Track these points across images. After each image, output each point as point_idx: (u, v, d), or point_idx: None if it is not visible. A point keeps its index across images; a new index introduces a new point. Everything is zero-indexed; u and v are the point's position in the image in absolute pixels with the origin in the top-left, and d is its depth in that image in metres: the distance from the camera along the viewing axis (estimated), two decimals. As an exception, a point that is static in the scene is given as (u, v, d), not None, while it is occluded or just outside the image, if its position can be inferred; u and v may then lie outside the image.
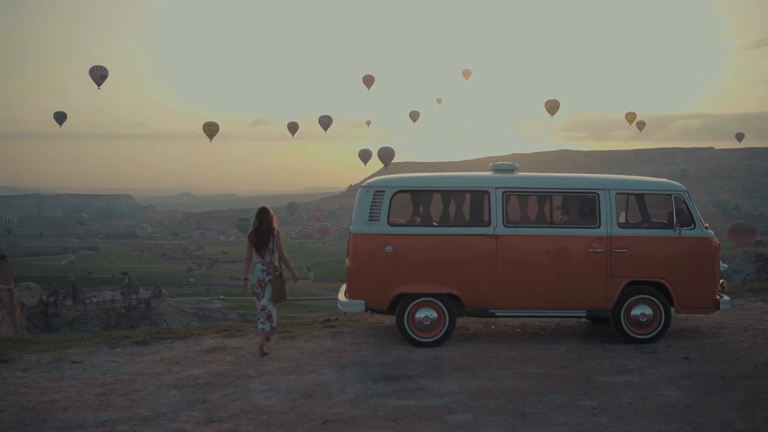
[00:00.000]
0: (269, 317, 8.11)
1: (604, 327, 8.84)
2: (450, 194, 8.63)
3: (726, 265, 8.74)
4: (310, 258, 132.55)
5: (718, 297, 8.34)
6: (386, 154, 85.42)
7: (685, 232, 8.24)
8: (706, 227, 8.37)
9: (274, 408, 6.00)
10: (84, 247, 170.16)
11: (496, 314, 8.28)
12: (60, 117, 79.21)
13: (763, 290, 12.11)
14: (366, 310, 8.37)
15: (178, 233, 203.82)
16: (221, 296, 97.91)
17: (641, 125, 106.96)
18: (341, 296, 8.54)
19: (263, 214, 8.28)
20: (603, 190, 8.29)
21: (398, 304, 8.16)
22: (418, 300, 8.13)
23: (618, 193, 8.36)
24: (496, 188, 8.25)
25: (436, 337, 8.15)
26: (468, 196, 8.55)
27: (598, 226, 8.22)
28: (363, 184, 8.47)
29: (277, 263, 8.28)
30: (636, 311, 8.19)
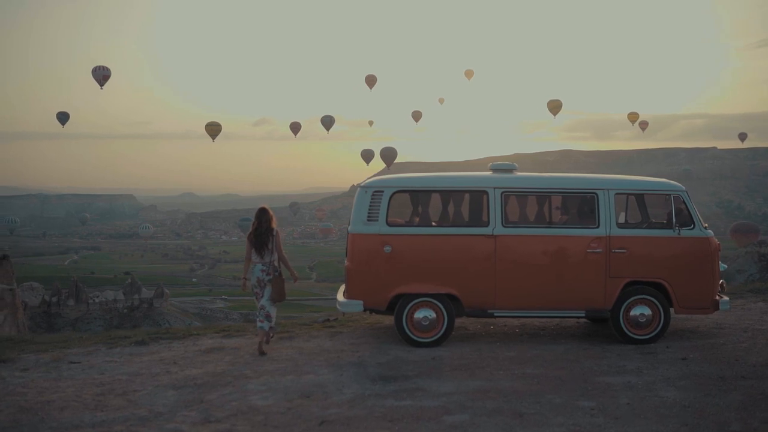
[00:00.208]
0: (268, 317, 8.15)
1: (604, 327, 8.82)
2: (449, 194, 8.62)
3: (726, 266, 8.72)
4: (313, 258, 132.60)
5: (717, 297, 8.32)
6: (388, 154, 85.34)
7: (685, 232, 8.23)
8: (705, 227, 8.35)
9: (271, 408, 6.00)
10: (87, 247, 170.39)
11: (495, 314, 8.27)
12: (63, 117, 79.31)
13: (763, 290, 12.07)
14: (365, 311, 8.37)
15: (181, 233, 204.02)
16: (223, 296, 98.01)
17: (644, 125, 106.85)
18: (340, 296, 8.54)
19: (262, 214, 8.33)
20: (602, 190, 8.27)
21: (397, 305, 8.15)
22: (416, 300, 8.13)
23: (617, 194, 8.34)
24: (494, 188, 8.24)
25: (435, 338, 8.14)
26: (467, 196, 8.54)
27: (597, 227, 8.21)
28: (361, 184, 8.46)
29: (276, 263, 8.31)
30: (635, 312, 8.18)
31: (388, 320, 9.17)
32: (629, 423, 5.56)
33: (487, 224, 8.18)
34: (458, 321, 8.82)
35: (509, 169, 8.66)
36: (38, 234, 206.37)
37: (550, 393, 6.35)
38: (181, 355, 7.97)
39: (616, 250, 8.16)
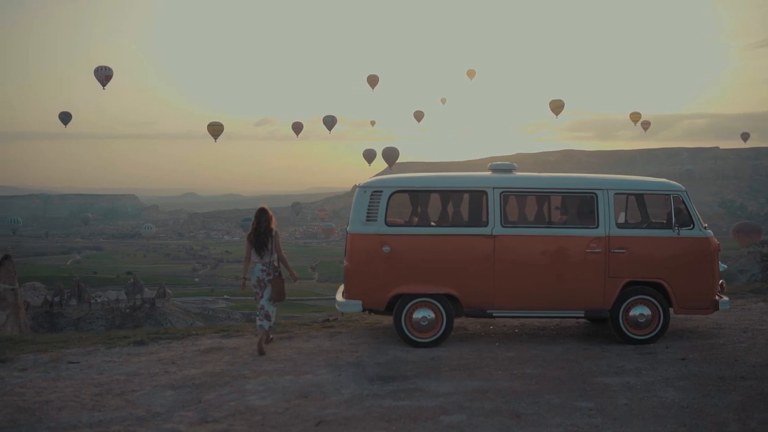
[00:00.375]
0: (267, 316, 8.20)
1: (603, 328, 8.80)
2: (448, 194, 8.61)
3: (725, 266, 8.70)
4: (315, 258, 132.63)
5: (717, 297, 8.30)
6: (391, 154, 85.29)
7: (684, 232, 8.21)
8: (705, 227, 8.33)
9: (269, 408, 6.00)
10: (89, 247, 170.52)
11: (494, 315, 8.26)
12: (65, 117, 79.31)
13: (764, 290, 12.05)
14: (363, 311, 8.37)
15: (183, 233, 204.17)
16: (225, 296, 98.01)
17: (646, 125, 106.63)
18: (339, 297, 8.54)
19: (262, 214, 8.37)
20: (601, 190, 8.26)
21: (396, 305, 8.15)
22: (415, 300, 8.12)
23: (616, 194, 8.33)
24: (493, 188, 8.23)
25: (434, 338, 8.13)
26: (466, 196, 8.54)
27: (597, 227, 8.19)
28: (360, 185, 8.45)
29: (276, 263, 8.34)
30: (634, 312, 8.16)
31: (388, 320, 9.16)
32: (627, 423, 5.55)
33: (486, 224, 8.17)
34: (458, 321, 8.81)
35: (508, 169, 8.65)
36: (41, 234, 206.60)
37: (548, 393, 6.34)
38: (179, 355, 7.97)
39: (616, 250, 8.15)
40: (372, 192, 8.27)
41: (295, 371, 7.16)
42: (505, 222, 8.20)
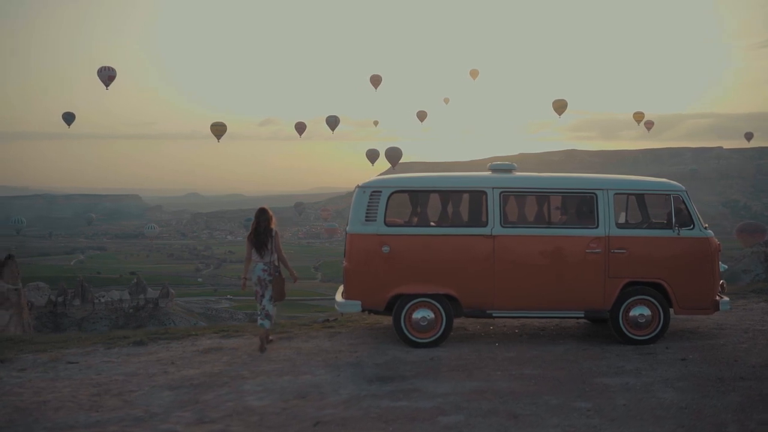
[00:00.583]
0: (268, 316, 8.24)
1: (603, 328, 8.78)
2: (447, 194, 8.59)
3: (726, 266, 8.67)
4: (318, 258, 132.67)
5: (717, 298, 8.27)
6: (394, 154, 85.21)
7: (684, 232, 8.18)
8: (705, 227, 8.30)
9: (266, 409, 5.99)
10: (93, 247, 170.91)
11: (494, 315, 8.24)
12: (69, 117, 79.37)
13: (766, 291, 12.01)
14: (363, 311, 8.35)
15: (186, 233, 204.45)
16: (229, 296, 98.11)
17: (649, 125, 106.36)
18: (338, 297, 8.53)
19: (261, 214, 8.42)
20: (601, 190, 8.23)
21: (395, 305, 8.13)
22: (414, 300, 8.10)
23: (616, 194, 8.30)
24: (493, 188, 8.21)
25: (433, 338, 8.12)
26: (465, 196, 8.52)
27: (596, 227, 8.17)
28: (359, 185, 8.44)
29: (277, 263, 8.37)
30: (634, 312, 8.13)
31: (388, 321, 9.14)
32: (625, 424, 5.53)
33: (485, 224, 8.15)
34: (458, 321, 8.80)
35: (508, 169, 8.62)
36: (44, 234, 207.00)
37: (547, 394, 6.32)
38: (179, 355, 7.96)
39: (616, 251, 8.12)
40: (371, 192, 8.25)
41: (293, 371, 7.15)
42: (505, 222, 8.18)
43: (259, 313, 8.40)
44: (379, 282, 8.10)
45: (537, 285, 8.13)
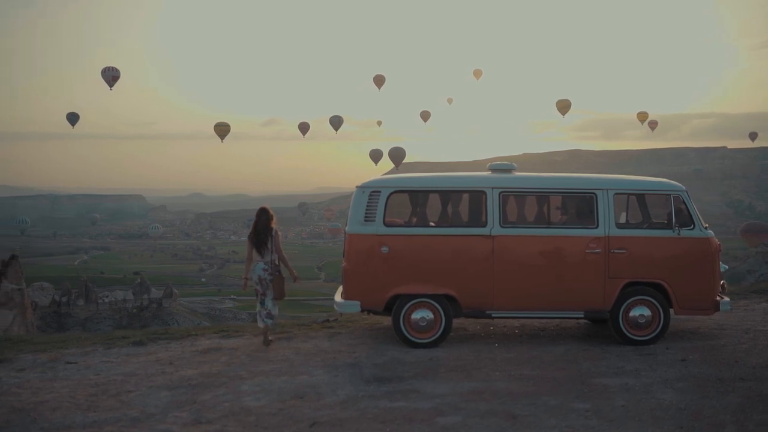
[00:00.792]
0: (270, 315, 8.32)
1: (604, 328, 8.75)
2: (447, 194, 8.58)
3: (726, 266, 8.63)
4: (321, 258, 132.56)
5: (718, 298, 8.23)
6: (397, 154, 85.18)
7: (685, 232, 8.15)
8: (705, 227, 8.27)
9: (263, 409, 5.98)
10: (96, 248, 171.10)
11: (493, 315, 8.22)
12: (73, 118, 79.48)
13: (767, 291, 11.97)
14: (362, 311, 8.34)
15: (190, 233, 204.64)
16: (232, 296, 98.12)
17: (653, 125, 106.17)
18: (338, 297, 8.51)
19: (262, 213, 8.49)
20: (601, 190, 8.21)
21: (394, 305, 8.11)
22: (414, 301, 8.08)
23: (616, 194, 8.27)
24: (492, 188, 8.18)
25: (433, 339, 8.10)
26: (465, 196, 8.51)
27: (596, 227, 8.14)
28: (359, 185, 8.43)
29: (277, 262, 8.40)
30: (634, 312, 8.10)
31: (388, 321, 9.12)
32: (623, 425, 5.51)
33: (485, 224, 8.13)
34: (458, 322, 8.78)
35: (508, 169, 8.60)
36: (48, 234, 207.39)
37: (545, 395, 6.29)
38: (178, 355, 7.96)
39: (615, 251, 8.09)
40: (370, 192, 8.24)
41: (291, 372, 7.14)
42: (505, 222, 8.16)
43: (258, 312, 8.44)
44: (378, 282, 8.09)
45: (537, 285, 8.10)
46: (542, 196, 8.54)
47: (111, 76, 63.77)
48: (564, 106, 78.05)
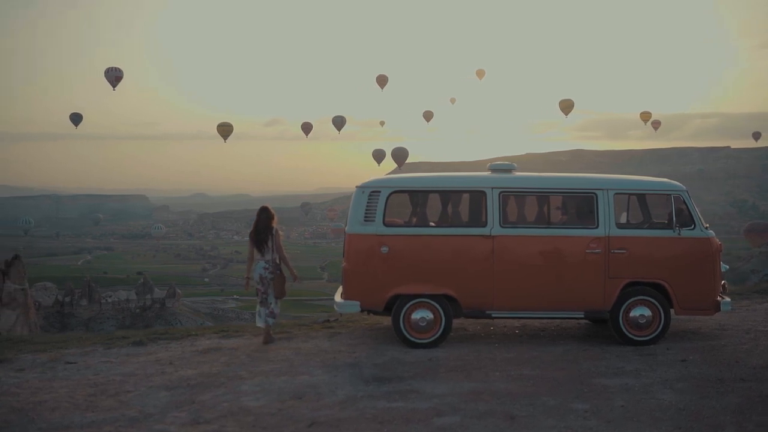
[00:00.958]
0: (272, 314, 8.40)
1: (604, 328, 8.73)
2: (446, 194, 8.57)
3: (727, 266, 8.60)
4: (324, 258, 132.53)
5: (719, 298, 8.21)
6: (400, 155, 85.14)
7: (685, 232, 8.13)
8: (706, 227, 8.25)
9: (262, 409, 5.97)
10: (99, 248, 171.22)
11: (493, 315, 8.21)
12: (76, 118, 79.57)
13: (770, 291, 11.93)
14: (362, 311, 8.34)
15: (193, 233, 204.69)
16: (235, 296, 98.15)
17: (656, 125, 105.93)
18: (337, 297, 8.51)
19: (262, 212, 8.57)
20: (601, 190, 8.19)
21: (394, 305, 8.11)
22: (413, 301, 8.08)
23: (617, 194, 8.26)
24: (492, 188, 8.17)
25: (432, 339, 8.09)
26: (465, 196, 8.50)
27: (596, 227, 8.12)
28: (358, 185, 8.42)
29: (278, 261, 8.43)
30: (635, 313, 8.08)
31: (388, 321, 9.11)
32: (621, 426, 5.49)
33: (485, 224, 8.12)
34: (458, 322, 8.77)
35: (508, 169, 8.59)
36: (52, 234, 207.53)
37: (545, 395, 6.28)
38: (177, 355, 7.96)
39: (616, 251, 8.07)
40: (370, 192, 8.23)
41: (291, 372, 7.14)
42: (504, 222, 8.15)
43: (258, 312, 8.46)
44: (378, 282, 8.08)
45: (537, 285, 8.09)
46: (542, 196, 8.52)
47: (114, 76, 63.84)
48: (567, 106, 77.96)
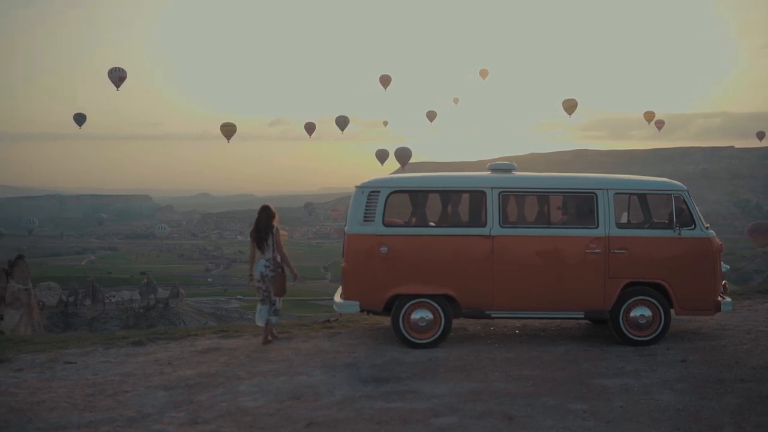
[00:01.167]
0: (275, 312, 8.47)
1: (605, 328, 8.70)
2: (446, 194, 8.56)
3: (728, 266, 8.57)
4: (327, 258, 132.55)
5: (719, 298, 8.18)
6: (403, 154, 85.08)
7: (685, 232, 8.10)
8: (706, 227, 8.22)
9: (260, 410, 5.96)
10: (103, 248, 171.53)
11: (493, 315, 8.19)
12: (80, 118, 79.64)
13: (771, 291, 11.88)
14: (361, 311, 8.33)
15: (196, 233, 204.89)
16: (238, 296, 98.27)
17: (660, 124, 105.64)
18: (337, 297, 8.50)
19: (263, 211, 8.61)
20: (601, 190, 8.17)
21: (394, 305, 8.09)
22: (413, 301, 8.06)
23: (617, 193, 8.23)
24: (492, 188, 8.16)
25: (432, 339, 8.07)
26: (464, 196, 8.48)
27: (596, 227, 8.10)
28: (358, 185, 8.41)
29: (279, 259, 8.44)
30: (635, 313, 8.06)
31: (388, 321, 9.10)
32: (620, 426, 5.47)
33: (484, 224, 8.10)
34: (458, 322, 8.76)
35: (507, 169, 8.57)
36: (56, 234, 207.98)
37: (544, 395, 6.26)
38: (177, 355, 7.96)
39: (616, 251, 8.05)
40: (370, 192, 8.22)
41: (289, 372, 7.13)
42: (504, 222, 8.13)
43: (259, 310, 8.47)
44: (378, 282, 8.07)
45: (536, 285, 8.07)
46: (542, 196, 8.50)
47: (118, 76, 63.91)
48: (570, 106, 77.82)
